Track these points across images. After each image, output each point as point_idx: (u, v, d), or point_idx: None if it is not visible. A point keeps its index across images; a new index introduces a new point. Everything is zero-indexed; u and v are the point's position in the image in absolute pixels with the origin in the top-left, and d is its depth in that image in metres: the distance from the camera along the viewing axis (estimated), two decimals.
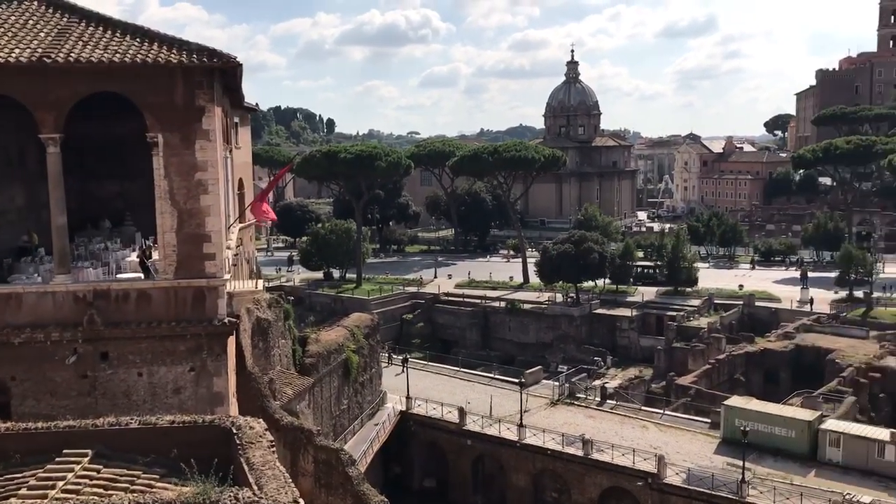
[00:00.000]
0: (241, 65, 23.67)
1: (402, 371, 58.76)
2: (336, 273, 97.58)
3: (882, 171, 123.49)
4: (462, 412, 52.47)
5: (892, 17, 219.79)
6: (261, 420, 17.61)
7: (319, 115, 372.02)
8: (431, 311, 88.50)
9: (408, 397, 55.33)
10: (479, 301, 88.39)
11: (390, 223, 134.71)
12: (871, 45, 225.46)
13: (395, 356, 67.58)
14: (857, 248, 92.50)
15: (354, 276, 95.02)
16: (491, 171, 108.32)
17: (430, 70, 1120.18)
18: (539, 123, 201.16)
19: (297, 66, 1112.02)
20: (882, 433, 44.71)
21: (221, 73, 24.04)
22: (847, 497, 39.16)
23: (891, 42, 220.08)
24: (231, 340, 25.29)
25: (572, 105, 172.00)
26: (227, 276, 24.54)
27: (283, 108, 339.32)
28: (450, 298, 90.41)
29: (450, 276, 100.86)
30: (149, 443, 16.49)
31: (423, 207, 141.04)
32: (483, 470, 52.41)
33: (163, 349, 23.64)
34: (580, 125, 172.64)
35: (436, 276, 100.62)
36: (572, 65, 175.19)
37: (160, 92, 22.92)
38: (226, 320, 24.01)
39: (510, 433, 50.19)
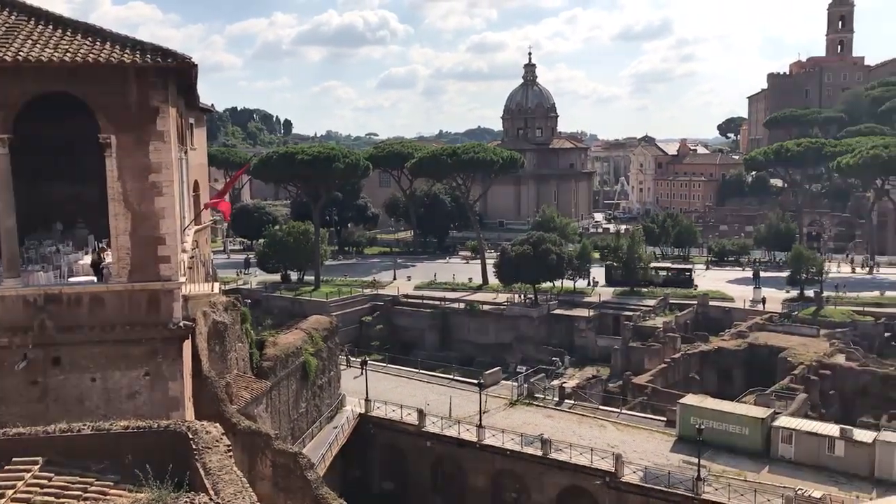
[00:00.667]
0: (196, 65, 23.38)
1: (361, 373, 58.51)
2: (294, 275, 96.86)
3: (831, 172, 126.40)
4: (421, 414, 52.44)
5: (840, 23, 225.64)
6: (217, 424, 17.39)
7: (276, 116, 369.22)
8: (391, 313, 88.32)
9: (367, 400, 55.12)
10: (438, 302, 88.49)
11: (349, 225, 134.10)
12: (821, 50, 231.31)
13: (353, 358, 67.28)
14: (808, 248, 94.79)
15: (312, 278, 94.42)
16: (450, 173, 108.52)
17: (388, 71, 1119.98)
18: (497, 125, 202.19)
19: (254, 66, 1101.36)
20: (832, 429, 45.76)
21: (176, 73, 23.70)
22: (799, 492, 39.97)
23: (839, 47, 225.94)
24: (187, 344, 24.95)
25: (530, 107, 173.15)
26: (182, 279, 24.21)
27: (239, 108, 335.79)
28: (409, 300, 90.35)
29: (409, 278, 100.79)
30: (102, 449, 16.17)
31: (382, 209, 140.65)
32: (442, 471, 52.43)
33: (117, 354, 23.23)
34: (538, 127, 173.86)
35: (395, 278, 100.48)
36: (530, 67, 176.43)
37: (113, 92, 22.53)
38: (181, 324, 23.68)
39: (469, 434, 50.30)
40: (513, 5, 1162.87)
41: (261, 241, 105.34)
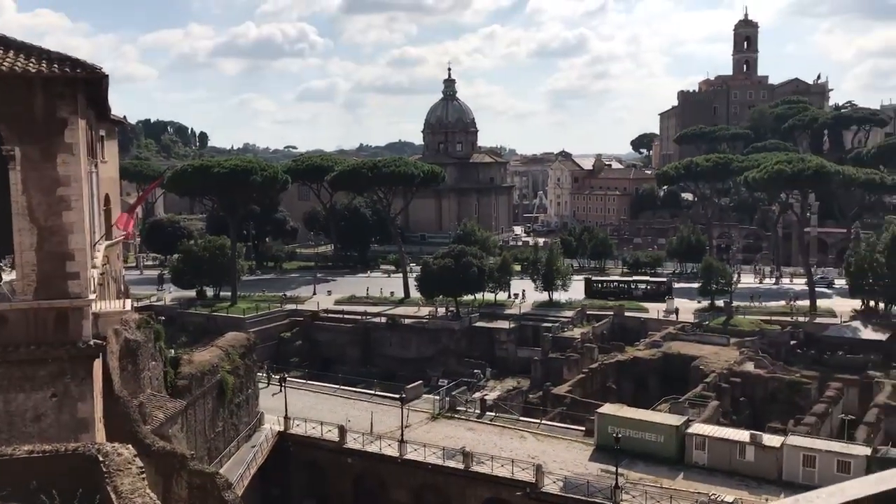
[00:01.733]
0: (106, 75, 22.68)
1: (280, 390, 57.47)
2: (210, 291, 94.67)
3: (739, 187, 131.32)
4: (342, 430, 51.88)
5: (745, 44, 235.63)
6: (129, 446, 16.78)
7: (192, 129, 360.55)
8: (310, 328, 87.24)
9: (286, 417, 54.21)
10: (359, 317, 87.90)
11: (267, 239, 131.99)
12: (728, 69, 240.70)
13: (273, 375, 66.11)
14: (717, 259, 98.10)
15: (229, 293, 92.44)
16: (371, 187, 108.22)
17: (307, 84, 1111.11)
18: (418, 139, 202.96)
19: (169, 77, 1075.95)
20: (743, 435, 47.32)
21: (85, 83, 22.94)
22: (712, 497, 41.15)
23: (744, 66, 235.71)
24: (97, 363, 24.05)
25: (450, 122, 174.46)
26: (92, 296, 23.34)
27: (153, 120, 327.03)
28: (329, 315, 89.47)
29: (329, 293, 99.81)
30: (5, 475, 15.39)
31: (301, 223, 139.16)
32: (364, 487, 51.94)
33: (21, 374, 22.20)
34: (458, 142, 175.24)
35: (315, 293, 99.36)
36: (449, 82, 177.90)
37: (17, 103, 21.66)
38: (91, 342, 22.82)
39: (391, 449, 50.01)
40: (432, 21, 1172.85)
41: (175, 256, 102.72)
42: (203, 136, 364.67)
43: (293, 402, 56.40)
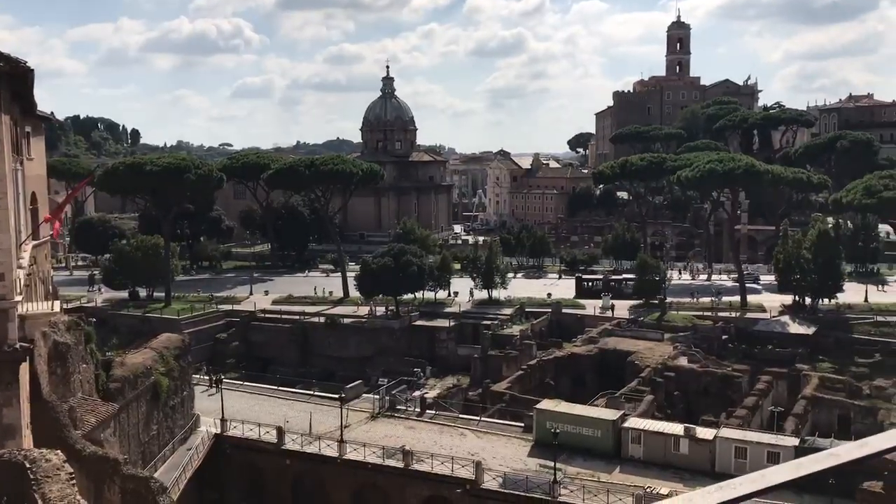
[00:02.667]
0: (32, 70, 21.96)
1: (215, 391, 56.53)
2: (143, 292, 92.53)
3: (672, 186, 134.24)
4: (280, 432, 51.31)
5: (678, 45, 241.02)
6: (58, 451, 16.30)
7: (123, 126, 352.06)
8: (247, 329, 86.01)
9: (222, 419, 53.34)
10: (297, 317, 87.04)
11: (201, 238, 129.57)
12: (662, 70, 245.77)
13: (209, 377, 64.99)
14: (652, 257, 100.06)
15: (163, 294, 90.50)
16: (308, 185, 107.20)
17: (242, 81, 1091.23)
18: (357, 137, 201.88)
19: (99, 73, 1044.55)
20: (677, 428, 48.43)
21: (9, 78, 22.15)
22: (648, 490, 41.99)
23: (677, 67, 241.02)
24: (24, 367, 23.26)
25: (389, 120, 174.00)
26: (18, 298, 22.56)
27: (82, 117, 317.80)
28: (267, 315, 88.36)
29: (266, 293, 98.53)
30: None
31: (237, 222, 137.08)
32: (303, 489, 51.46)
33: None
34: (397, 140, 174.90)
35: (251, 293, 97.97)
36: (388, 80, 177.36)
37: None
38: (17, 346, 22.05)
39: (330, 450, 49.67)
40: (370, 18, 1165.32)
41: (106, 256, 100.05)
42: (135, 134, 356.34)
43: (230, 403, 55.54)
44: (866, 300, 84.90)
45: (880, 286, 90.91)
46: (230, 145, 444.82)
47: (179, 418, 51.76)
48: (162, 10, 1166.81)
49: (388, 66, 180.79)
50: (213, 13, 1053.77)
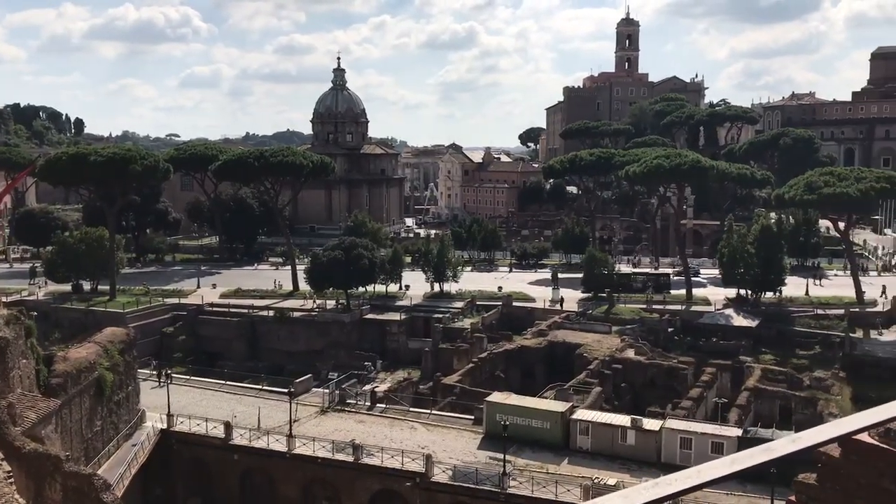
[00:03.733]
0: None
1: (161, 385, 55.66)
2: (87, 285, 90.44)
3: (620, 180, 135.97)
4: (228, 426, 50.73)
5: (627, 42, 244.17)
6: None
7: (66, 115, 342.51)
8: (194, 322, 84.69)
9: (169, 414, 52.51)
10: (246, 311, 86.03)
11: (147, 231, 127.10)
12: (611, 66, 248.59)
13: (156, 372, 63.90)
14: (600, 250, 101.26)
15: (107, 287, 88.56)
16: (257, 177, 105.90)
17: (190, 70, 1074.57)
18: (307, 129, 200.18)
19: (40, 60, 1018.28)
20: (624, 420, 49.19)
21: None
22: (596, 481, 42.58)
23: (626, 64, 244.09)
24: None
25: (340, 112, 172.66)
26: None
27: (23, 105, 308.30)
28: (214, 309, 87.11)
29: (214, 286, 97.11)
30: None
31: (184, 214, 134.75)
32: (251, 484, 50.99)
33: None
34: (348, 132, 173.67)
35: (199, 286, 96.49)
36: (339, 72, 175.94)
37: None
38: None
39: (279, 444, 49.27)
40: (321, 9, 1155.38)
41: (49, 248, 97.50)
42: (79, 123, 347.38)
43: (177, 398, 54.74)
44: (807, 294, 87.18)
45: (818, 280, 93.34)
46: (177, 136, 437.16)
47: (124, 414, 50.81)
48: None
49: (339, 58, 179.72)
50: (159, 1, 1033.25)
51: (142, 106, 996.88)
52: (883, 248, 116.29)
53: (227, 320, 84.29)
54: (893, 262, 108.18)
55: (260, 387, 62.69)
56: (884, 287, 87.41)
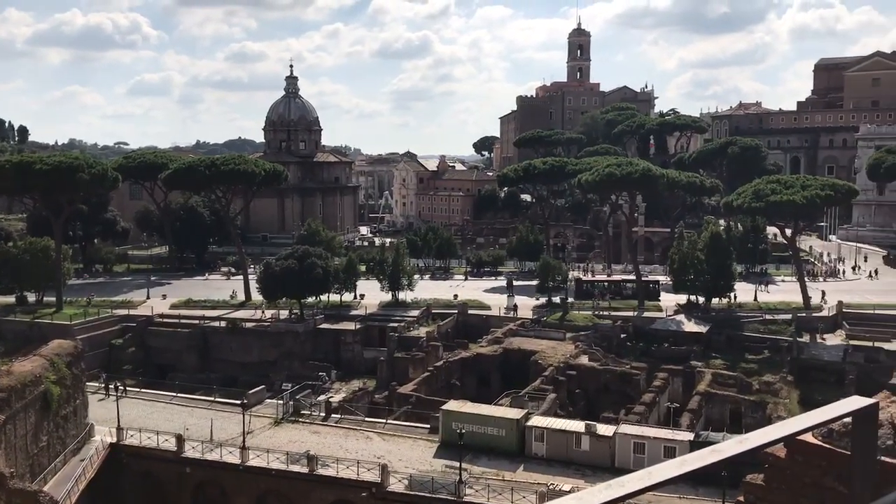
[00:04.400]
0: None
1: (109, 398, 54.49)
2: (32, 297, 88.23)
3: (573, 188, 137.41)
4: (180, 439, 49.83)
5: (579, 52, 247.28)
6: None
7: (9, 122, 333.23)
8: (144, 334, 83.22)
9: (119, 428, 51.40)
10: (197, 321, 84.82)
11: (95, 241, 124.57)
12: (563, 76, 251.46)
13: (105, 385, 62.55)
14: (554, 258, 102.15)
15: (54, 299, 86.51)
16: (208, 185, 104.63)
17: (140, 77, 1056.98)
18: (259, 137, 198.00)
19: None
20: (578, 425, 49.56)
21: None
22: (551, 487, 42.81)
23: (578, 73, 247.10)
24: None
25: (293, 120, 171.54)
26: None
27: None
28: (165, 320, 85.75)
29: (164, 297, 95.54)
30: None
31: (134, 223, 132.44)
32: (204, 497, 50.12)
33: None
34: (301, 140, 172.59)
35: (149, 297, 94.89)
36: (292, 80, 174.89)
37: None
38: None
39: (232, 457, 48.55)
40: (273, 16, 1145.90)
41: None
42: (23, 131, 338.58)
43: (126, 411, 53.61)
44: (755, 299, 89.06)
45: (765, 286, 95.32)
46: (126, 144, 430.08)
47: (72, 428, 49.57)
48: (53, 2, 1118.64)
49: (291, 66, 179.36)
50: (108, 7, 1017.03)
51: (89, 113, 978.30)
52: (828, 254, 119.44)
53: (177, 331, 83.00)
54: (838, 268, 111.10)
55: (212, 398, 61.75)
56: (823, 292, 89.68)
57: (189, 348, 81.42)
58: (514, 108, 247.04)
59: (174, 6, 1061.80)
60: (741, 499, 3.78)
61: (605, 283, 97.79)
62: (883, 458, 3.41)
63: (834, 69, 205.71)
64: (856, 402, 3.22)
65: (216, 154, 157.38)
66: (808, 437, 3.50)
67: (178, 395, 62.50)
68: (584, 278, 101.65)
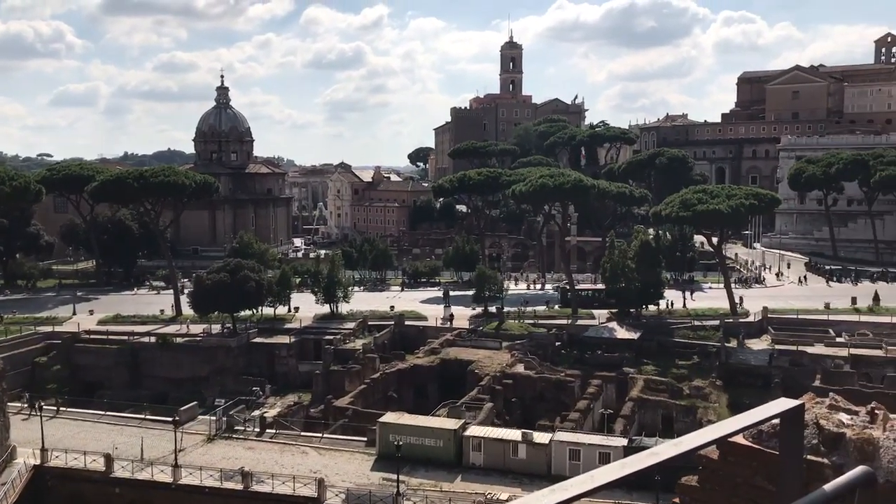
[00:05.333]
0: None
1: (31, 418, 52.61)
2: None
3: (507, 199, 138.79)
4: (109, 459, 48.38)
5: (511, 64, 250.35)
6: None
7: None
8: (70, 351, 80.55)
9: (43, 449, 49.61)
10: (126, 337, 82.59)
11: (17, 255, 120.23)
12: (496, 88, 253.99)
13: (27, 404, 60.34)
14: (489, 268, 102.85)
15: None
16: (137, 198, 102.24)
17: (64, 87, 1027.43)
18: (189, 148, 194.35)
19: None
20: (515, 434, 49.92)
21: None
22: (489, 497, 42.98)
23: (510, 86, 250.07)
24: None
25: (224, 130, 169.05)
26: None
27: None
28: (92, 336, 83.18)
29: (91, 312, 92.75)
30: None
31: (58, 237, 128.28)
32: None
33: None
34: (233, 151, 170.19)
35: (75, 313, 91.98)
36: (223, 90, 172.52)
37: None
38: None
39: (164, 475, 47.38)
40: (203, 26, 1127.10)
41: None
42: None
43: (52, 432, 51.90)
44: (684, 306, 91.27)
45: (691, 293, 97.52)
46: (50, 156, 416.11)
47: None
48: None
49: (222, 76, 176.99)
50: (29, 15, 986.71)
51: (9, 124, 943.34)
52: (753, 262, 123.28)
53: (105, 348, 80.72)
54: (762, 276, 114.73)
55: (142, 416, 60.27)
56: (741, 298, 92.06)
57: (118, 365, 79.19)
58: (449, 119, 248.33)
59: (100, 15, 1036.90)
60: (676, 500, 3.90)
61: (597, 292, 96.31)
62: (809, 456, 3.56)
63: (756, 82, 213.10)
64: (783, 403, 3.37)
65: (145, 166, 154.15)
66: (740, 439, 3.64)
67: (107, 413, 60.74)
68: (580, 287, 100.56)
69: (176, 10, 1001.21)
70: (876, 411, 3.79)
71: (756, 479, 3.62)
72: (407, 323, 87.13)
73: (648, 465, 2.60)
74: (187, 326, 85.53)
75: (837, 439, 3.64)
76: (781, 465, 3.38)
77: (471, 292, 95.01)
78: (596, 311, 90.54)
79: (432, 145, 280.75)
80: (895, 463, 3.46)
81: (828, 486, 3.12)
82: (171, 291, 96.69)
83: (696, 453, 3.67)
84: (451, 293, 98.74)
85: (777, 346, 77.12)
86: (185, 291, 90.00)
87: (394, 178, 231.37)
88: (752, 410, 3.35)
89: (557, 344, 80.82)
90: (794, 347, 75.99)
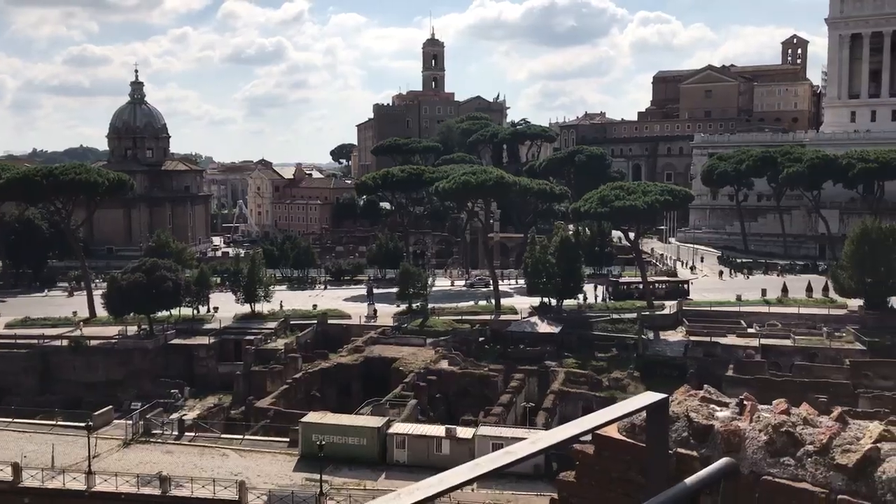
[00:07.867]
0: None
1: None
2: None
3: (431, 196, 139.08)
4: (16, 468, 46.46)
5: (433, 62, 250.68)
6: None
7: None
8: None
9: None
10: (35, 341, 79.63)
11: None
12: (419, 85, 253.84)
13: None
14: (414, 265, 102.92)
15: None
16: (46, 196, 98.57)
17: None
18: (102, 145, 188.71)
19: None
20: (439, 430, 50.13)
21: None
22: None
23: (433, 83, 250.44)
24: None
25: (139, 127, 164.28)
26: None
27: None
28: None
29: None
30: None
31: None
32: None
33: None
34: (148, 148, 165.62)
35: None
36: (137, 85, 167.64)
37: None
38: None
39: (77, 483, 45.80)
40: (115, 19, 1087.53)
41: None
42: None
43: None
44: (603, 300, 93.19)
45: (608, 290, 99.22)
46: None
47: None
48: None
49: (136, 70, 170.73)
50: None
51: None
52: (668, 256, 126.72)
53: (13, 352, 77.61)
54: (676, 269, 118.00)
55: (53, 422, 58.10)
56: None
57: (27, 370, 76.24)
58: (371, 116, 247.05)
59: (4, 5, 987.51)
60: (555, 496, 3.98)
61: (636, 285, 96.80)
62: (679, 449, 3.67)
63: (671, 81, 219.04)
64: (649, 397, 3.48)
65: (55, 163, 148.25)
66: (614, 434, 3.73)
67: (15, 420, 58.34)
68: (622, 280, 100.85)
69: (86, 2, 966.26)
70: (745, 402, 3.94)
71: (629, 474, 3.72)
72: (330, 321, 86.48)
73: (501, 464, 2.64)
74: (80, 328, 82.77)
75: (706, 431, 3.77)
76: (647, 458, 3.49)
77: (395, 290, 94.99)
78: (518, 306, 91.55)
79: (355, 142, 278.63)
80: (759, 454, 3.60)
81: (689, 479, 3.23)
82: (85, 293, 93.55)
83: (571, 448, 3.78)
84: (375, 291, 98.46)
85: (692, 338, 79.51)
86: (100, 293, 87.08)
87: (316, 175, 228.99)
88: (619, 403, 3.45)
89: (481, 339, 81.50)
90: (707, 339, 78.52)
